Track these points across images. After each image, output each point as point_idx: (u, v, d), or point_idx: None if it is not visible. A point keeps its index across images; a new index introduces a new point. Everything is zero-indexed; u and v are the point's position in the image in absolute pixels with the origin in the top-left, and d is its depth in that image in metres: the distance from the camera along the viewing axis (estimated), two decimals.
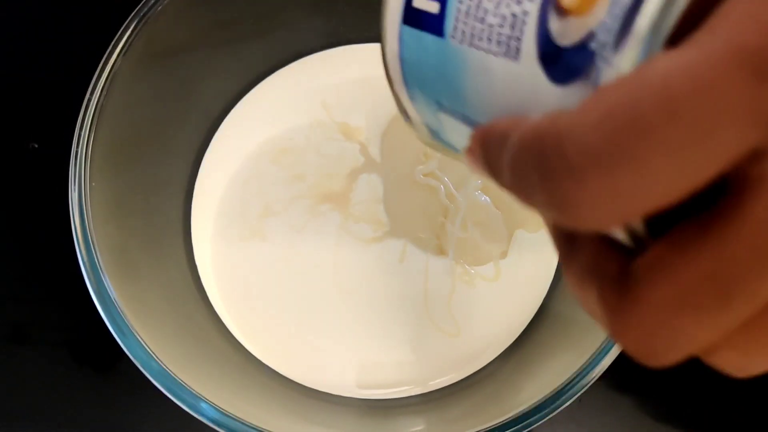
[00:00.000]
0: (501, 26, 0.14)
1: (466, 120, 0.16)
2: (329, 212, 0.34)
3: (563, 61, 0.13)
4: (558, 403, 0.24)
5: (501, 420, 0.24)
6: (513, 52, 0.14)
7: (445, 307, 0.33)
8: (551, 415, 0.24)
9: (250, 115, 0.36)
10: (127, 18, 0.27)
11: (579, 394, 0.24)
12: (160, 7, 0.27)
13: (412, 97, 0.18)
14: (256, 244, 0.34)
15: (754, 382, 0.34)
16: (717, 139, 0.09)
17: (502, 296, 0.33)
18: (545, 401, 0.24)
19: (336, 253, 0.33)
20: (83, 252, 0.25)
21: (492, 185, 0.33)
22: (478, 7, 0.14)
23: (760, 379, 0.35)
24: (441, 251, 0.33)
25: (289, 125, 0.35)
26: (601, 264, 0.12)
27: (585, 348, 0.25)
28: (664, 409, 0.34)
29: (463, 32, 0.15)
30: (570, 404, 0.24)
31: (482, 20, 0.14)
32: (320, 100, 0.36)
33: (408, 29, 0.16)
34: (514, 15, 0.14)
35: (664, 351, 0.11)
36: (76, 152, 0.26)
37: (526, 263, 0.34)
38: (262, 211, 0.34)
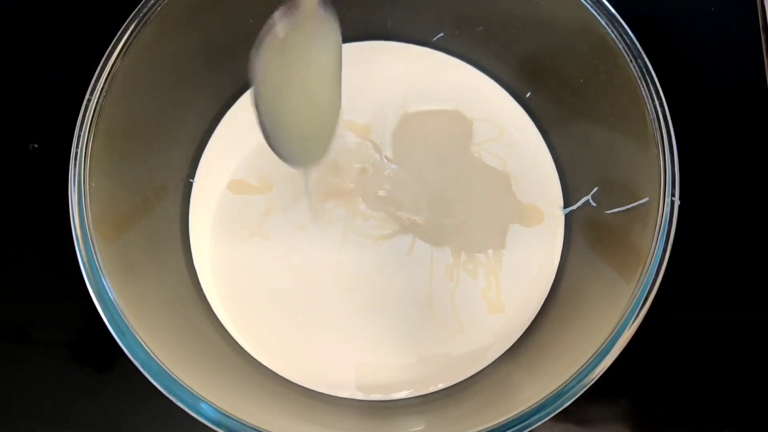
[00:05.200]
0: None
1: None
2: (335, 209, 0.34)
3: None
4: (558, 403, 0.24)
5: (501, 420, 0.24)
6: None
7: (448, 303, 0.33)
8: (551, 416, 0.24)
9: (252, 113, 0.35)
10: (126, 18, 0.27)
11: (579, 394, 0.24)
12: (159, 8, 0.27)
13: None
14: (256, 243, 0.34)
15: (753, 383, 0.35)
16: None
17: (504, 294, 0.33)
18: (545, 401, 0.24)
19: (340, 251, 0.33)
20: (83, 252, 0.25)
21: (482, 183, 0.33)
22: None
23: (758, 380, 0.35)
24: (444, 242, 0.33)
25: None
26: None
27: (585, 348, 0.25)
28: (663, 410, 0.34)
29: None
30: (569, 405, 0.24)
31: None
32: None
33: None
34: None
35: None
36: (76, 152, 0.26)
37: (526, 263, 0.34)
38: (264, 210, 0.34)
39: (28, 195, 0.36)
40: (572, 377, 0.24)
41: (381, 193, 0.34)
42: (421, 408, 0.31)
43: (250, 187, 0.34)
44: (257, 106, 0.25)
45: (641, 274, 0.25)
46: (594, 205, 0.32)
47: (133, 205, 0.30)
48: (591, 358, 0.25)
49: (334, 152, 0.35)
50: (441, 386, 0.32)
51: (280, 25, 0.23)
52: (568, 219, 0.34)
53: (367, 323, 0.33)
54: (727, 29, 0.39)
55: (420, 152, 0.35)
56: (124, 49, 0.27)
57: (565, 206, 0.35)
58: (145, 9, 0.27)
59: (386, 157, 0.35)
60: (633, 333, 0.25)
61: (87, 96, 0.26)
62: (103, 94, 0.27)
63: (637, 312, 0.25)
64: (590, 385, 0.24)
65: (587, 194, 0.33)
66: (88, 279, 0.25)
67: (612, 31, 0.28)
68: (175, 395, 0.24)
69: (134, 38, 0.27)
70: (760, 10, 0.39)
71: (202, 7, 0.30)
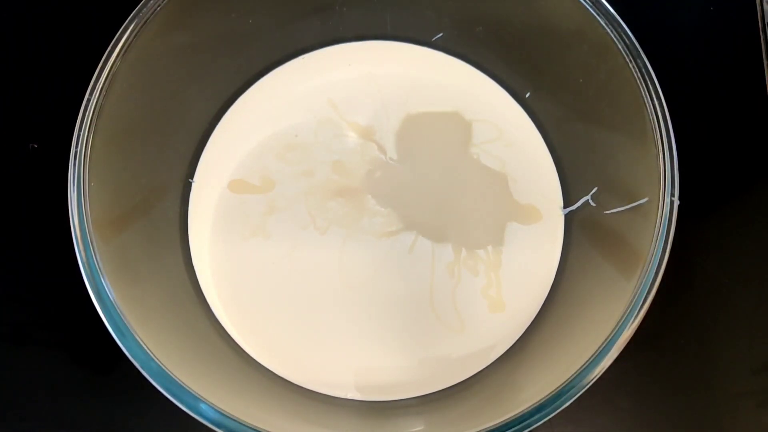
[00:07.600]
0: None
1: None
2: (339, 208, 0.34)
3: None
4: (558, 403, 0.24)
5: (501, 420, 0.24)
6: None
7: (449, 301, 0.33)
8: (551, 416, 0.24)
9: (251, 113, 0.36)
10: (126, 18, 0.27)
11: (579, 394, 0.24)
12: (159, 8, 0.27)
13: None
14: (257, 243, 0.33)
15: (753, 383, 0.34)
16: None
17: (504, 293, 0.33)
18: (545, 401, 0.24)
19: (342, 251, 0.33)
20: (82, 253, 0.25)
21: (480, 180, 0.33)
22: None
23: (759, 380, 0.35)
24: (445, 238, 0.33)
25: (294, 122, 0.35)
26: None
27: (585, 348, 0.25)
28: (662, 410, 0.34)
29: None
30: (569, 405, 0.24)
31: None
32: (326, 98, 0.36)
33: None
34: None
35: None
36: (76, 152, 0.26)
37: (526, 262, 0.34)
38: (265, 209, 0.34)
39: (28, 195, 0.36)
40: (572, 377, 0.24)
41: (387, 192, 0.34)
42: (421, 408, 0.31)
43: (251, 186, 0.34)
44: None
45: (641, 274, 0.25)
46: (593, 205, 0.32)
47: (133, 204, 0.30)
48: (591, 358, 0.25)
49: (339, 153, 0.35)
50: (441, 387, 0.32)
51: None
52: (568, 219, 0.34)
53: (369, 323, 0.33)
54: (727, 29, 0.39)
55: (423, 153, 0.35)
56: (123, 49, 0.27)
57: (565, 206, 0.35)
58: (145, 9, 0.27)
59: (391, 159, 0.35)
60: (633, 333, 0.25)
61: (87, 96, 0.26)
62: (103, 93, 0.27)
63: (637, 312, 0.25)
64: (590, 385, 0.24)
65: (587, 194, 0.33)
66: (88, 279, 0.25)
67: (611, 31, 0.28)
68: (174, 396, 0.24)
69: (134, 38, 0.27)
70: (759, 10, 0.39)
71: (202, 7, 0.30)
